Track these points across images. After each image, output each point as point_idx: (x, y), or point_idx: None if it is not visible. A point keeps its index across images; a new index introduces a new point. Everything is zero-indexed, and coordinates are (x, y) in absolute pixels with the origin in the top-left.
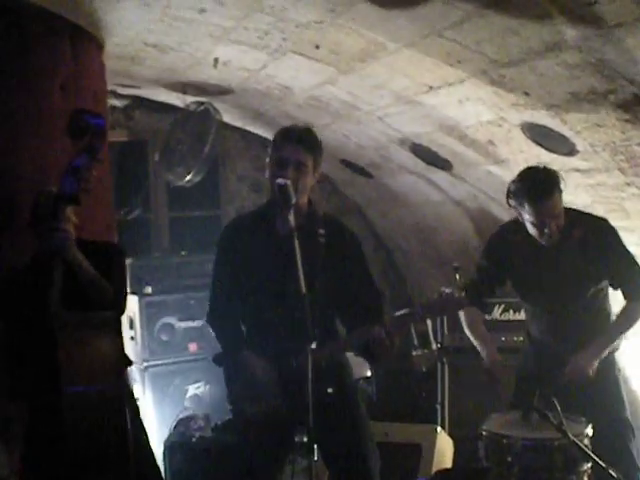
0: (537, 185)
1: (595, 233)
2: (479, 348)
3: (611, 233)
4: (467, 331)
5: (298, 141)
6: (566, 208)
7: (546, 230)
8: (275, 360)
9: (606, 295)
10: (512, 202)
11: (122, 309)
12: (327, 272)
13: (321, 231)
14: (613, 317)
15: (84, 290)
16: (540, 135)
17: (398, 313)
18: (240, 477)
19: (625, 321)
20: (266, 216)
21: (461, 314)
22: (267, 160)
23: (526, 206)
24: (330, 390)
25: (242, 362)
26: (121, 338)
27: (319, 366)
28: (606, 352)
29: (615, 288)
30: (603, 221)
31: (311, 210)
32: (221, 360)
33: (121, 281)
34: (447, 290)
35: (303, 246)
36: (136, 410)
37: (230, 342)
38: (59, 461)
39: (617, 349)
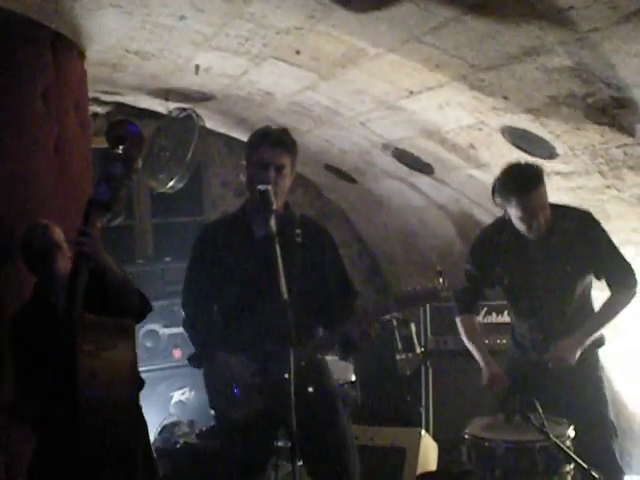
0: (522, 178)
1: (580, 225)
2: (478, 360)
3: (596, 224)
4: (465, 341)
5: (277, 143)
6: (549, 203)
7: (534, 223)
8: (254, 362)
9: (590, 292)
10: (498, 199)
11: (147, 311)
12: (304, 273)
13: (298, 231)
14: None
15: (113, 293)
16: (520, 139)
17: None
18: None
19: (608, 311)
20: (243, 220)
21: (459, 324)
22: (243, 162)
23: (513, 201)
24: (310, 389)
25: (219, 362)
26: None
27: (298, 366)
28: (588, 341)
29: (599, 278)
30: (586, 213)
31: (287, 212)
32: (196, 361)
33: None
34: (420, 288)
35: (281, 248)
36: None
37: (205, 343)
38: (73, 462)
39: (602, 345)
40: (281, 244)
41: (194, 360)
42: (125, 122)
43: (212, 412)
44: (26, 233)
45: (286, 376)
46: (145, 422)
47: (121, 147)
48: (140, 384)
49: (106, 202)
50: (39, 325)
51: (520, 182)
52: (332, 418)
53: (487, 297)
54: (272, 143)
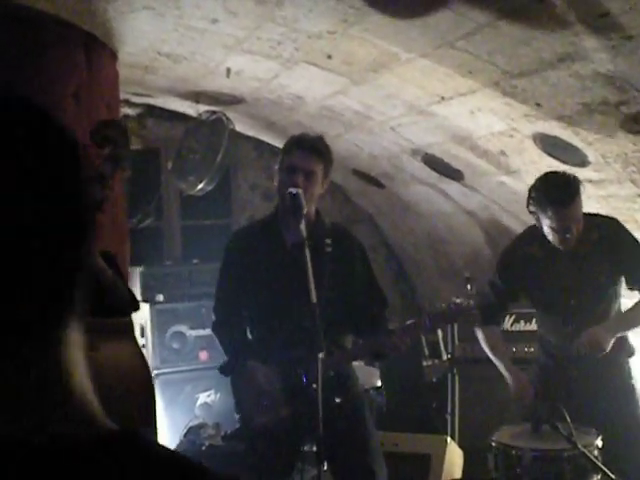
0: (559, 190)
1: (609, 233)
2: (502, 370)
3: (624, 231)
4: (489, 353)
5: (309, 149)
6: None
7: (568, 235)
8: (282, 370)
9: (619, 300)
10: (533, 208)
11: (136, 310)
12: (334, 282)
13: (328, 241)
14: None
15: (106, 294)
16: (552, 146)
17: (407, 322)
18: None
19: None
20: (274, 225)
21: (479, 334)
22: (276, 167)
23: (549, 212)
24: (338, 400)
25: (248, 372)
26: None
27: (327, 376)
28: (621, 332)
29: (632, 287)
30: (614, 220)
31: (318, 219)
32: (227, 370)
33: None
34: (457, 300)
35: (311, 256)
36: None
37: (235, 351)
38: None
39: (633, 354)
40: (311, 252)
41: (224, 368)
42: (112, 122)
43: (237, 416)
44: None
45: (314, 386)
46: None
47: (107, 148)
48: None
49: (98, 202)
50: None
51: (559, 194)
52: (359, 427)
53: (509, 308)
54: (304, 148)
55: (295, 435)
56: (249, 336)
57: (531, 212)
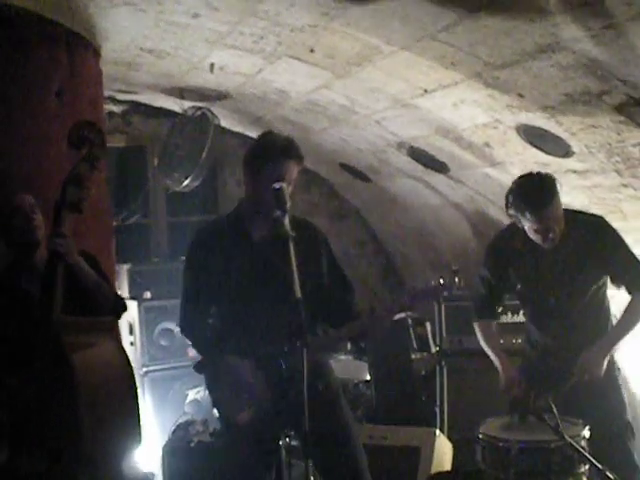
0: (536, 193)
1: (593, 231)
2: (495, 363)
3: (609, 229)
4: (483, 344)
5: (294, 157)
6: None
7: (550, 235)
8: (259, 364)
9: (605, 294)
10: (512, 212)
11: (123, 310)
12: (303, 273)
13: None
14: (613, 316)
15: (88, 295)
16: (536, 137)
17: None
18: None
19: (631, 317)
20: (238, 222)
21: (477, 329)
22: (250, 167)
23: (528, 215)
24: (320, 387)
25: (226, 367)
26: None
27: (307, 365)
28: (614, 349)
29: (617, 284)
30: (599, 218)
31: None
32: (202, 368)
33: (109, 284)
34: (440, 280)
35: (277, 251)
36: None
37: (209, 348)
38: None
39: (617, 347)
40: (277, 246)
41: (200, 367)
42: (87, 123)
43: (215, 412)
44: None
45: (297, 376)
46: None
47: (84, 148)
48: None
49: (75, 203)
50: (9, 310)
51: (535, 197)
52: (338, 416)
53: (504, 300)
54: (291, 158)
55: (275, 429)
56: (219, 333)
57: (511, 215)
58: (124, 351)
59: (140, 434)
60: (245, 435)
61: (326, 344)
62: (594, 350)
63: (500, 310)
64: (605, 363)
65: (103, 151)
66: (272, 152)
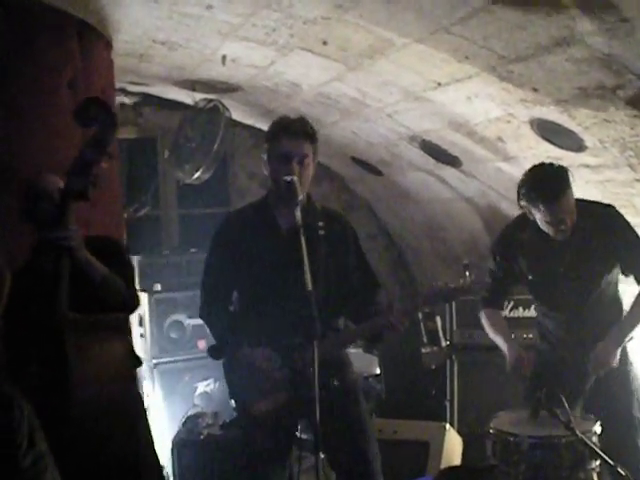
0: (549, 185)
1: (603, 220)
2: (501, 345)
3: (620, 219)
4: (488, 331)
5: (298, 134)
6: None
7: (562, 227)
8: (278, 354)
9: (617, 286)
10: (524, 203)
11: (135, 306)
12: (328, 266)
13: (320, 224)
14: (625, 308)
15: (96, 290)
16: (549, 131)
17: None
18: (246, 474)
19: None
20: (267, 210)
21: (482, 317)
22: (265, 155)
23: (541, 207)
24: (336, 383)
25: (246, 355)
26: (131, 338)
27: (323, 360)
28: (627, 340)
29: (627, 274)
30: (610, 208)
31: (310, 203)
32: (216, 353)
33: (127, 277)
34: (452, 285)
35: (305, 241)
36: (144, 412)
37: (228, 334)
38: (66, 465)
39: (630, 339)
40: (305, 236)
41: (214, 351)
42: (97, 100)
43: (232, 402)
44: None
45: (311, 370)
46: (148, 422)
47: (93, 127)
48: (137, 362)
49: (82, 190)
50: (33, 293)
51: (548, 189)
52: (353, 411)
53: (512, 292)
54: (294, 134)
55: (291, 420)
56: (239, 321)
57: (522, 207)
58: (129, 350)
59: (140, 454)
60: (261, 425)
61: (345, 339)
62: (606, 343)
63: (507, 303)
64: (618, 355)
65: (113, 134)
66: (274, 130)
